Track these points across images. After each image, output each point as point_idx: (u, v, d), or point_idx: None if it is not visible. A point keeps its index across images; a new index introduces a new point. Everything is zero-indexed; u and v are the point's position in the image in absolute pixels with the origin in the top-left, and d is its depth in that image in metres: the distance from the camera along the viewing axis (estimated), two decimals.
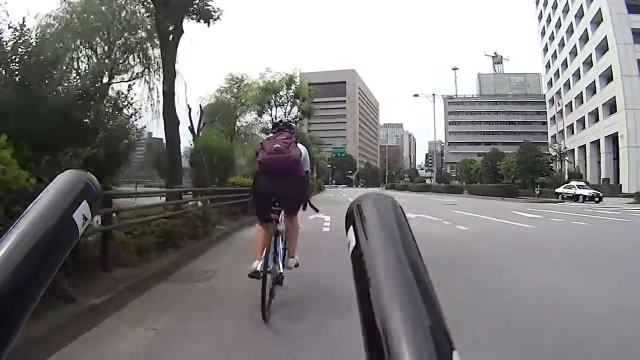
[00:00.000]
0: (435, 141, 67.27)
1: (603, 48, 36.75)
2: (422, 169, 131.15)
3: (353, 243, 0.31)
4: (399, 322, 0.24)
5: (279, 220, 3.03)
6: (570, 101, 44.64)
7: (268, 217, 2.99)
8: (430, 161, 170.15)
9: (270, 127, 3.80)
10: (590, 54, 39.17)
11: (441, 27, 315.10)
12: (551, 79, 52.31)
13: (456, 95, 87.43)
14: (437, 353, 0.23)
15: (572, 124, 44.13)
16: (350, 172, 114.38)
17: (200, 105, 19.70)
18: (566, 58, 46.04)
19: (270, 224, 2.99)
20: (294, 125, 3.49)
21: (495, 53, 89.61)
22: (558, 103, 44.73)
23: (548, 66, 53.67)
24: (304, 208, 3.24)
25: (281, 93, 20.58)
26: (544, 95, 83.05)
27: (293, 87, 20.73)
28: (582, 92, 41.96)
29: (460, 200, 22.74)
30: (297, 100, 20.83)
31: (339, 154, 50.17)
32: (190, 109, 17.67)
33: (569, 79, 45.46)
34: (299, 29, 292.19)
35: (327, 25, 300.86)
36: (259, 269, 2.73)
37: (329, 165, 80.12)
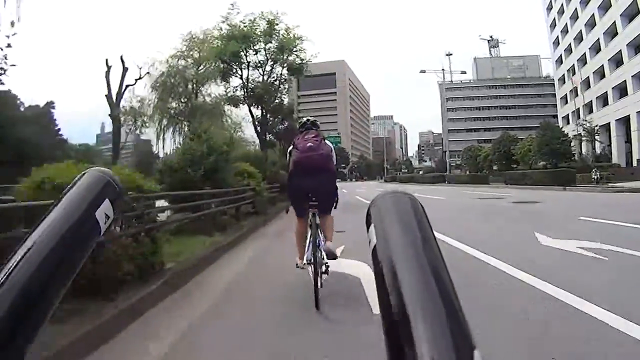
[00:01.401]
0: (443, 131, 63.00)
1: (630, 14, 32.74)
2: (420, 160, 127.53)
3: (374, 242, 0.31)
4: (420, 321, 0.24)
5: (316, 214, 3.10)
6: (588, 77, 40.72)
7: (305, 212, 3.19)
8: (423, 151, 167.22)
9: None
10: (614, 22, 35.18)
11: (430, 11, 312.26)
12: (561, 55, 48.40)
13: (452, 82, 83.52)
14: (458, 352, 0.23)
15: (591, 101, 40.22)
16: (343, 165, 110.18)
17: (121, 59, 14.01)
18: (581, 31, 42.05)
19: (305, 218, 3.18)
20: (318, 123, 3.54)
21: (490, 36, 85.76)
22: (573, 80, 40.73)
23: (557, 43, 49.77)
24: (335, 206, 3.30)
25: (257, 47, 14.57)
26: (546, 77, 79.99)
27: (275, 39, 14.41)
28: (602, 66, 38.03)
29: (520, 194, 16.05)
30: (282, 55, 14.81)
31: (334, 144, 45.45)
32: (109, 68, 12.35)
33: (584, 53, 41.54)
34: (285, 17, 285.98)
35: (314, 16, 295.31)
36: (305, 261, 3.02)
37: None
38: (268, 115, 14.98)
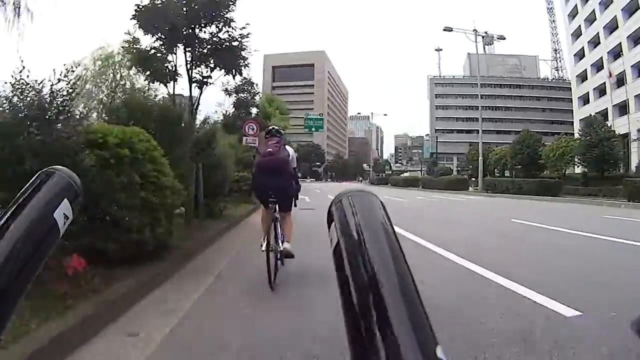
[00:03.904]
0: (426, 133, 55.66)
1: None
2: (396, 161, 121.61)
3: (335, 240, 0.31)
4: (382, 318, 0.24)
5: (276, 209, 3.60)
6: (623, 71, 34.33)
7: (269, 204, 3.62)
8: (400, 154, 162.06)
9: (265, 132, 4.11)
10: None
11: (418, 3, 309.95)
12: (582, 48, 42.12)
13: (442, 77, 77.06)
14: (421, 348, 0.23)
15: (626, 100, 33.84)
16: (318, 164, 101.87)
17: None
18: (615, 17, 35.70)
19: (271, 209, 3.59)
20: (282, 131, 4.00)
21: (485, 32, 79.70)
22: (610, 73, 34.26)
23: (577, 34, 43.49)
24: (295, 204, 3.86)
25: None
26: (544, 78, 75.17)
27: None
28: None
29: None
30: None
31: (314, 129, 35.71)
32: None
33: (619, 43, 35.12)
34: (262, 7, 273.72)
35: (294, 7, 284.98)
36: (264, 249, 3.42)
37: (295, 153, 66.70)
38: None
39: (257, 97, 14.42)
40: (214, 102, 14.76)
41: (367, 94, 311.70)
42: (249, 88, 14.13)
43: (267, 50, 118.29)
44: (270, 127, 4.04)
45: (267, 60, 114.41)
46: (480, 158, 25.68)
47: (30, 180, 0.37)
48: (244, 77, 14.21)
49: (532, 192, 19.60)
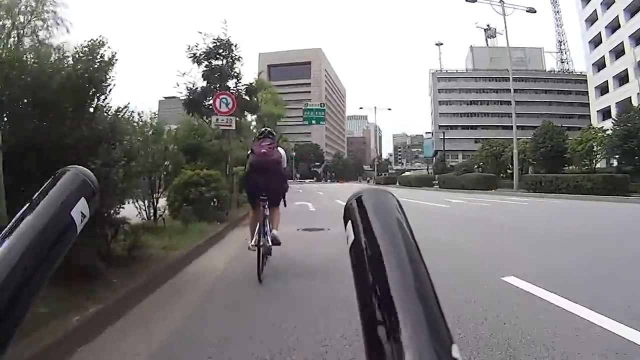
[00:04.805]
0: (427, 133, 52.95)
1: None
2: (396, 161, 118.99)
3: (352, 237, 0.31)
4: (398, 316, 0.24)
5: (265, 207, 3.72)
6: None
7: (257, 204, 3.75)
8: (399, 154, 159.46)
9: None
10: None
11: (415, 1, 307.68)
12: (599, 34, 39.43)
13: (445, 71, 74.30)
14: (436, 347, 0.23)
15: None
16: (317, 163, 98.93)
17: None
18: None
19: (259, 209, 3.73)
20: (274, 133, 4.23)
21: (487, 25, 77.25)
22: (635, 58, 31.55)
23: (591, 20, 40.81)
24: (285, 204, 4.04)
25: None
26: (550, 71, 72.58)
27: None
28: None
29: None
30: None
31: (314, 120, 32.18)
32: None
33: None
34: (256, 4, 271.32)
35: (289, 3, 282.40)
36: (253, 243, 3.63)
37: (293, 153, 63.63)
38: None
39: (237, 64, 10.50)
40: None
41: (364, 93, 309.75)
42: (226, 52, 10.14)
43: (262, 49, 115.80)
44: (263, 129, 4.23)
45: (262, 58, 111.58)
46: (515, 151, 22.86)
47: (49, 180, 0.37)
48: (219, 38, 10.17)
49: (594, 190, 16.64)
